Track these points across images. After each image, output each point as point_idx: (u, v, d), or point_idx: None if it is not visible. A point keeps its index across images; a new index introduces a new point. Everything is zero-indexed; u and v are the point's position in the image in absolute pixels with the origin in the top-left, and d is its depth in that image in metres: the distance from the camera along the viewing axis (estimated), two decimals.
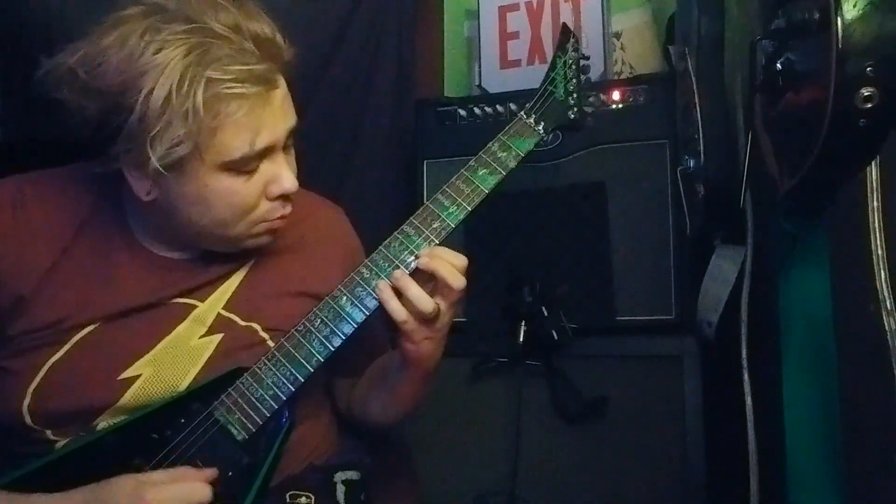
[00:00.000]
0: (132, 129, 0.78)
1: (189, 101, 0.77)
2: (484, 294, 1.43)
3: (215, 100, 0.78)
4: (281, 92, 0.86)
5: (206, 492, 0.81)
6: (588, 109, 1.09)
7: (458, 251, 0.90)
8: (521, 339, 1.35)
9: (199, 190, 0.84)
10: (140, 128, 0.77)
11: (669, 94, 1.38)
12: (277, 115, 0.85)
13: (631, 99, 1.42)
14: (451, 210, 0.93)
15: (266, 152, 0.86)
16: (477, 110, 1.52)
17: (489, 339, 1.41)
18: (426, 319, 0.86)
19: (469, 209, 0.93)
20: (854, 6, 0.60)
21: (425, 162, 1.54)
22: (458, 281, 0.87)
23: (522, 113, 1.03)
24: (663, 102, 1.39)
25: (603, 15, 1.60)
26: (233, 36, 0.80)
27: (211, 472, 0.84)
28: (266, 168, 0.87)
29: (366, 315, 0.89)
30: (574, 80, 1.06)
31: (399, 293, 0.87)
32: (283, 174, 0.88)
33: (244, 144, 0.82)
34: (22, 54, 0.82)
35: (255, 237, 0.92)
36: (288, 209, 0.92)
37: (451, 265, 0.87)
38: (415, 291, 0.86)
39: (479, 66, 1.70)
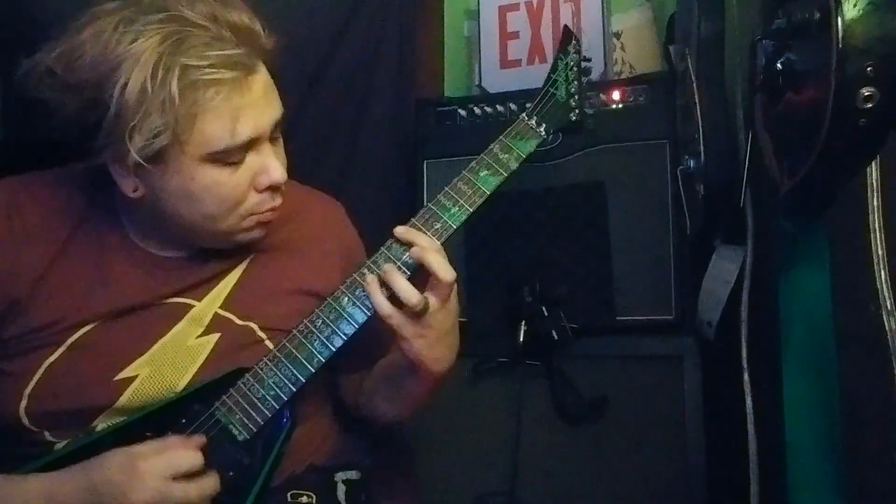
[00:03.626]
0: (110, 123, 0.78)
1: (165, 90, 0.76)
2: (484, 294, 1.43)
3: (192, 87, 0.78)
4: (261, 79, 0.85)
5: (195, 457, 0.81)
6: (589, 111, 1.09)
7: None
8: (521, 339, 1.35)
9: (184, 183, 0.83)
10: (118, 120, 0.77)
11: (669, 94, 1.38)
12: (259, 102, 0.84)
13: (631, 99, 1.42)
14: (452, 211, 0.93)
15: (252, 143, 0.85)
16: (477, 110, 1.51)
17: (489, 339, 1.41)
18: (414, 314, 0.86)
19: (471, 210, 0.94)
20: (854, 6, 0.60)
21: (425, 162, 1.53)
22: (448, 273, 0.85)
23: (524, 114, 1.03)
24: (663, 102, 1.39)
25: (603, 15, 1.60)
26: (209, 24, 0.80)
27: (199, 440, 0.84)
28: (252, 159, 0.86)
29: (367, 315, 0.89)
30: (575, 83, 1.07)
31: (389, 288, 0.86)
32: (270, 165, 0.87)
33: (225, 133, 0.81)
34: (22, 54, 0.82)
35: (246, 231, 0.91)
36: (278, 201, 0.92)
37: (440, 255, 0.87)
38: (401, 284, 0.86)
39: (479, 66, 1.70)
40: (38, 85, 0.80)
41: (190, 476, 0.80)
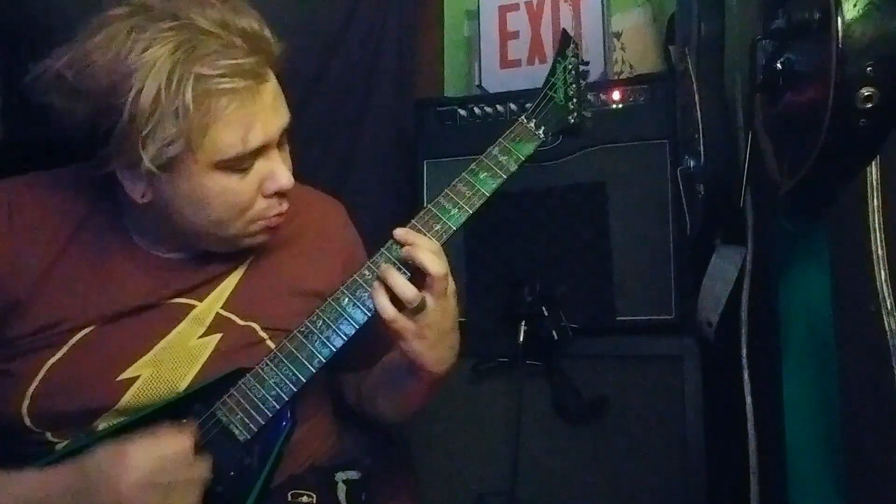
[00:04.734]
0: (123, 130, 0.77)
1: (179, 99, 0.76)
2: (484, 294, 1.43)
3: (205, 96, 0.78)
4: (271, 86, 0.85)
5: (184, 441, 0.81)
6: (588, 114, 1.09)
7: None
8: (521, 339, 1.35)
9: (194, 190, 0.83)
10: (131, 128, 0.77)
11: (669, 94, 1.38)
12: (269, 110, 0.85)
13: (631, 99, 1.42)
14: (452, 213, 0.94)
15: (260, 150, 0.85)
16: (477, 110, 1.51)
17: (489, 339, 1.41)
18: (413, 312, 0.86)
19: (470, 212, 0.94)
20: (854, 6, 0.60)
21: (425, 162, 1.54)
22: (436, 266, 0.86)
23: (523, 117, 1.04)
24: (663, 102, 1.39)
25: (603, 15, 1.60)
26: (220, 32, 0.79)
27: (189, 425, 0.84)
28: (261, 165, 0.87)
29: (367, 316, 0.89)
30: (574, 85, 1.07)
31: (389, 290, 0.87)
32: (278, 171, 0.88)
33: (237, 141, 0.82)
34: (23, 54, 0.82)
35: (252, 236, 0.92)
36: (285, 206, 0.92)
37: (430, 252, 0.87)
38: (398, 280, 0.86)
39: (479, 66, 1.70)
40: (46, 90, 0.80)
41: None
